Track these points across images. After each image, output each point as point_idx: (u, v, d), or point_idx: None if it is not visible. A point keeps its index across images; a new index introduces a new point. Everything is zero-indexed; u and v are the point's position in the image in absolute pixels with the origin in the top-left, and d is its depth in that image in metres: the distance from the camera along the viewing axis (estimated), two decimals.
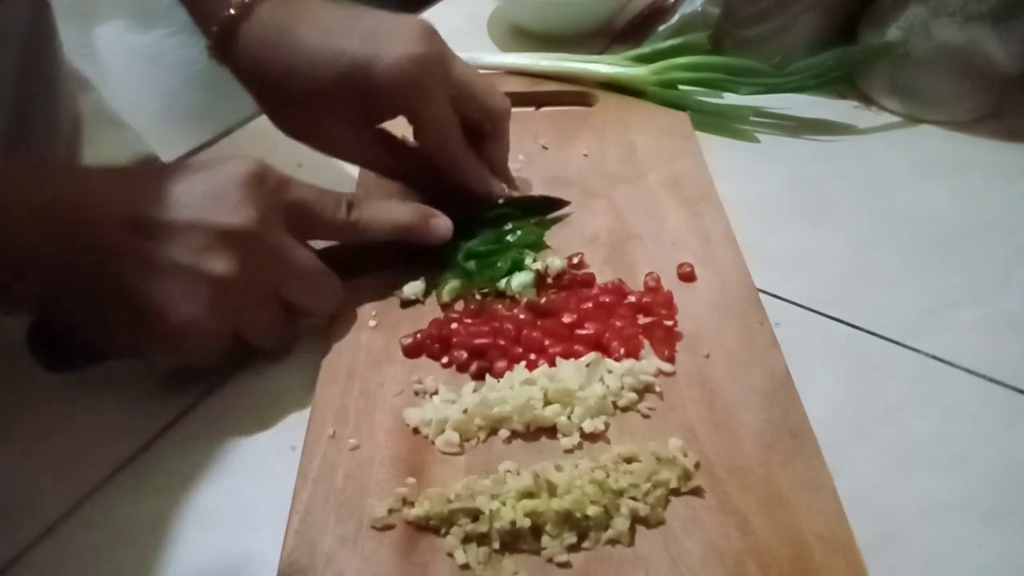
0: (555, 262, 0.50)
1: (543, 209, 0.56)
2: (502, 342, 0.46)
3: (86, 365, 0.45)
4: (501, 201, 0.54)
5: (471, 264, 0.50)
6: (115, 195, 0.40)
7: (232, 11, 0.47)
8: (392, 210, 0.49)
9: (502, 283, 0.49)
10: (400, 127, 0.52)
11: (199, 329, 0.41)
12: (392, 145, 0.54)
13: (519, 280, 0.49)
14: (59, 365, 0.44)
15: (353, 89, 0.48)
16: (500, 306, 0.49)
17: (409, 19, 0.49)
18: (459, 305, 0.50)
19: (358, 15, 0.49)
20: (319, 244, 0.47)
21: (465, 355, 0.46)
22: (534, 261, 0.50)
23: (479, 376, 0.45)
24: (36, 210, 0.37)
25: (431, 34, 0.49)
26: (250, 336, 0.44)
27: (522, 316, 0.48)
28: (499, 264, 0.50)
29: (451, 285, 0.49)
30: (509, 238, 0.52)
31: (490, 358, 0.45)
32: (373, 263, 0.51)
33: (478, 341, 0.46)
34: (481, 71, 0.63)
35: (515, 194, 0.55)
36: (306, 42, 0.47)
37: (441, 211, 0.50)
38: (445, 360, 0.46)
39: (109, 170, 0.42)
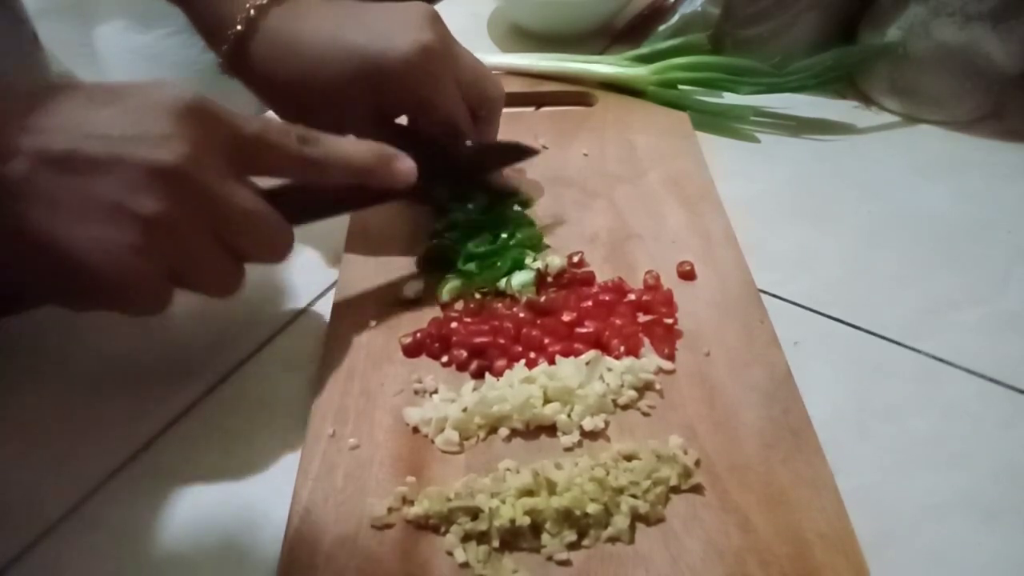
0: (555, 261, 0.50)
1: (513, 156, 0.55)
2: (502, 341, 0.46)
3: (12, 313, 0.42)
4: (469, 143, 0.52)
5: (471, 266, 0.50)
6: (25, 122, 0.35)
7: (239, 27, 0.47)
8: (350, 148, 0.44)
9: (502, 283, 0.50)
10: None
11: (131, 276, 0.37)
12: (409, 141, 0.53)
13: (519, 279, 0.49)
14: None
15: (368, 85, 0.48)
16: (499, 305, 0.49)
17: (411, 6, 0.49)
18: (459, 304, 0.49)
19: (361, 11, 0.49)
20: (266, 184, 0.43)
21: (465, 354, 0.46)
22: (534, 260, 0.50)
23: (479, 375, 0.45)
24: None
25: (435, 20, 0.49)
26: (192, 283, 0.40)
27: (522, 315, 0.48)
28: (499, 264, 0.50)
29: (451, 285, 0.49)
30: (509, 239, 0.52)
31: (490, 357, 0.45)
32: (326, 207, 0.47)
33: (478, 340, 0.46)
34: None
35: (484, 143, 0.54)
36: (315, 46, 0.48)
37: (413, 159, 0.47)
38: (445, 359, 0.46)
39: (13, 87, 0.37)
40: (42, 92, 0.37)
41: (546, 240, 0.53)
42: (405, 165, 0.46)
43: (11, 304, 0.42)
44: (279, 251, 0.43)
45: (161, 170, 0.36)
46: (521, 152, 0.55)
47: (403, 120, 0.54)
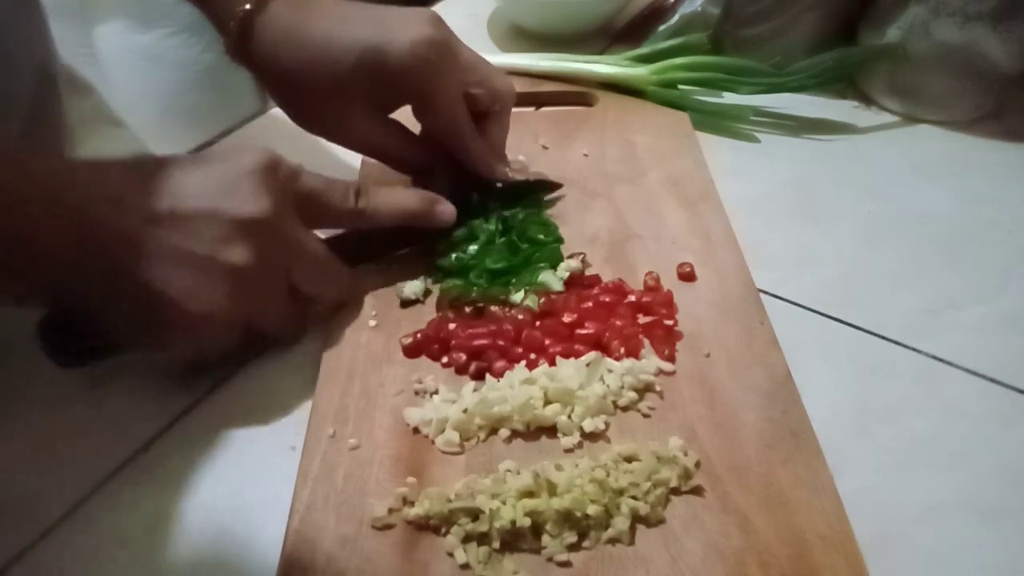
0: (572, 264, 0.50)
1: (538, 192, 0.57)
2: (501, 343, 0.46)
3: (96, 360, 0.44)
4: (500, 185, 0.54)
5: (481, 280, 0.49)
6: (131, 186, 0.40)
7: (248, 6, 0.48)
8: (398, 196, 0.50)
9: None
10: (406, 120, 0.53)
11: (217, 319, 0.41)
12: (406, 136, 0.55)
13: (521, 296, 0.49)
14: (69, 360, 0.44)
15: (368, 76, 0.49)
16: (496, 308, 0.48)
17: (417, 8, 0.50)
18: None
19: (368, 6, 0.50)
20: (322, 233, 0.48)
21: (464, 357, 0.46)
22: (555, 273, 0.50)
23: (478, 377, 0.45)
24: (51, 201, 0.37)
25: (439, 20, 0.50)
26: (263, 325, 0.45)
27: (520, 316, 0.47)
28: (513, 282, 0.49)
29: (451, 286, 0.49)
30: (527, 258, 0.51)
31: (488, 359, 0.45)
32: (378, 250, 0.52)
33: (477, 343, 0.46)
34: None
35: (515, 179, 0.56)
36: (320, 34, 0.48)
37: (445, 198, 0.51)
38: (445, 360, 0.46)
39: (123, 162, 0.42)
40: (141, 162, 0.42)
41: None
42: (447, 208, 0.51)
43: (100, 351, 0.45)
44: (342, 291, 0.49)
45: (248, 222, 0.41)
46: (546, 188, 0.57)
47: (401, 121, 0.54)
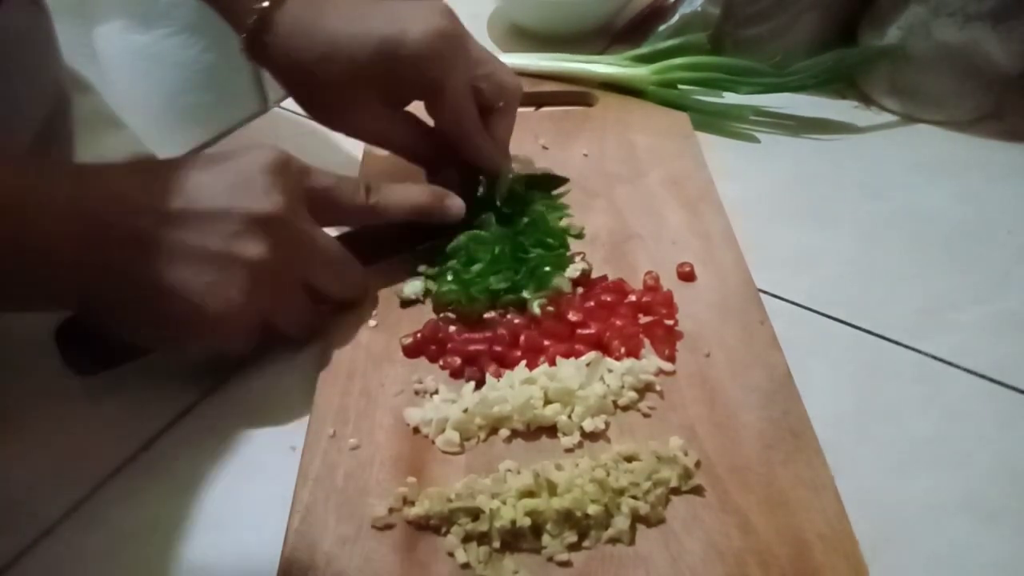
0: (581, 266, 0.50)
1: (545, 186, 0.57)
2: (497, 348, 0.46)
3: (114, 366, 0.44)
4: (511, 176, 0.55)
5: (483, 298, 0.48)
6: (142, 188, 0.40)
7: (266, 3, 0.49)
8: (409, 192, 0.50)
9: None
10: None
11: (236, 316, 0.41)
12: (420, 128, 0.55)
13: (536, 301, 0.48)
14: (87, 367, 0.44)
15: (383, 67, 0.49)
16: (494, 313, 0.48)
17: (430, 2, 0.51)
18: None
19: (381, 0, 0.51)
20: (334, 231, 0.48)
21: (459, 361, 0.45)
22: (563, 276, 0.50)
23: (476, 383, 0.44)
24: (64, 206, 0.38)
25: (451, 12, 0.51)
26: (279, 323, 0.45)
27: (516, 321, 0.47)
28: (518, 294, 0.49)
29: (447, 289, 0.49)
30: (533, 270, 0.50)
31: (483, 366, 0.45)
32: (389, 246, 0.52)
33: (472, 347, 0.46)
34: None
35: (521, 172, 0.56)
36: (337, 27, 0.49)
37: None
38: (443, 362, 0.46)
39: (133, 165, 0.42)
40: (150, 164, 0.42)
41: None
42: (456, 203, 0.51)
43: (118, 356, 0.45)
44: (356, 288, 0.49)
45: (263, 218, 0.41)
46: (553, 182, 0.58)
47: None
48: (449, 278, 0.49)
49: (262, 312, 0.43)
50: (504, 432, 0.42)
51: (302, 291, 0.45)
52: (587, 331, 0.46)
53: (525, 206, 0.54)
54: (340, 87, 0.50)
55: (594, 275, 0.51)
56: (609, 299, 0.48)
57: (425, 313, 0.49)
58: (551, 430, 0.42)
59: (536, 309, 0.48)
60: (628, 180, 0.59)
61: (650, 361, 0.45)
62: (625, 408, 0.43)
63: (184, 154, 0.44)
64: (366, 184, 0.48)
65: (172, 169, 0.42)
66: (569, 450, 0.41)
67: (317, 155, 0.53)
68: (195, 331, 0.42)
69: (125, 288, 0.40)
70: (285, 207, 0.42)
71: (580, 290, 0.50)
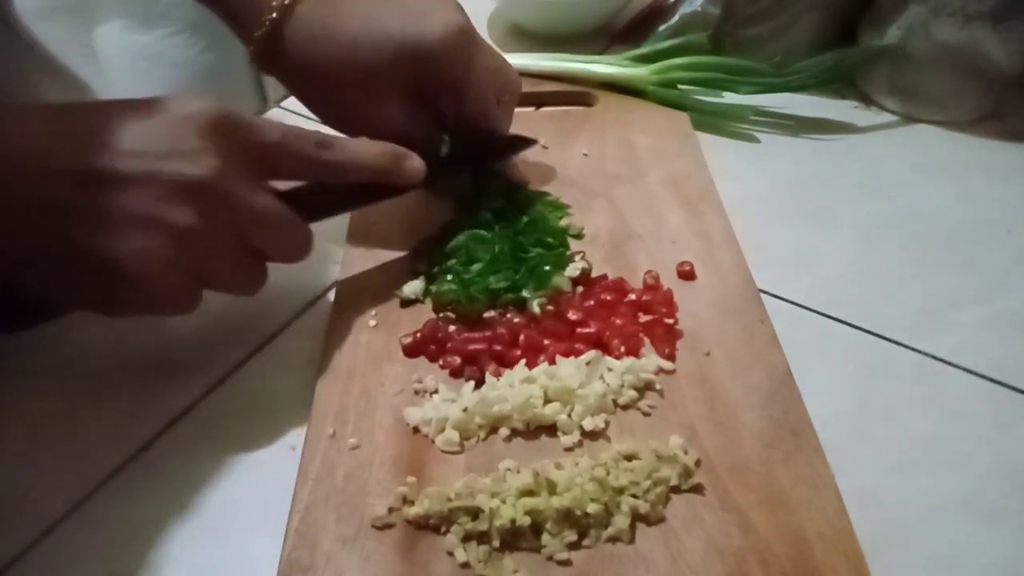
0: (581, 265, 0.50)
1: (514, 148, 0.57)
2: (497, 347, 0.46)
3: (37, 324, 0.43)
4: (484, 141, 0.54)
5: (482, 297, 0.48)
6: (62, 144, 0.37)
7: (274, 14, 0.48)
8: (365, 151, 0.47)
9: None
10: None
11: (164, 283, 0.39)
12: (437, 123, 0.54)
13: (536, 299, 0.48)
14: (9, 325, 0.43)
15: (406, 68, 0.49)
16: (494, 313, 0.48)
17: None
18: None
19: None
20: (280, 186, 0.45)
21: (458, 360, 0.45)
22: (563, 276, 0.49)
23: (476, 381, 0.44)
24: None
25: (461, 7, 0.51)
26: (216, 285, 0.42)
27: (516, 320, 0.47)
28: (518, 293, 0.49)
29: (445, 289, 0.49)
30: (532, 270, 0.50)
31: (483, 365, 0.45)
32: (338, 203, 0.49)
33: (472, 347, 0.46)
34: None
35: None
36: (351, 32, 0.48)
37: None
38: (442, 362, 0.46)
39: (54, 114, 0.39)
40: (73, 109, 0.39)
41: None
42: (415, 163, 0.48)
43: (38, 314, 0.43)
44: (300, 250, 0.45)
45: (193, 184, 0.38)
46: (518, 144, 0.58)
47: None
48: (449, 277, 0.49)
49: (196, 276, 0.40)
50: (504, 431, 0.42)
51: (238, 252, 0.42)
52: (587, 330, 0.46)
53: (525, 206, 0.54)
54: (359, 90, 0.50)
55: (594, 275, 0.51)
56: (609, 298, 0.48)
57: (425, 313, 0.49)
58: (551, 429, 0.42)
59: (536, 308, 0.48)
60: (628, 180, 0.59)
61: (650, 360, 0.45)
62: (625, 407, 0.43)
63: (115, 101, 0.40)
64: (317, 138, 0.44)
65: (95, 116, 0.39)
66: (569, 449, 0.41)
67: None
68: (123, 297, 0.40)
69: (43, 251, 0.37)
70: (218, 172, 0.39)
71: (580, 289, 0.50)
